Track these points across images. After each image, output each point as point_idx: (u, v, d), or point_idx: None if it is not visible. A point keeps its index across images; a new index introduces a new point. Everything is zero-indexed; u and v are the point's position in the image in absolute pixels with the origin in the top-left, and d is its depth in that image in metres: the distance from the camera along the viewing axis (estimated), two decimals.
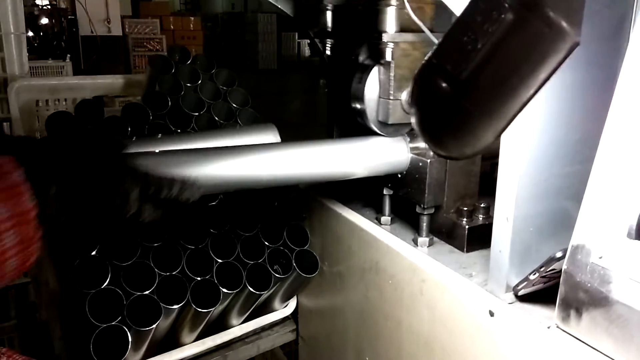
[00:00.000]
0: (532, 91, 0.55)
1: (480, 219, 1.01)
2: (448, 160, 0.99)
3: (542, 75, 0.54)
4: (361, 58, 1.08)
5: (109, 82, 1.62)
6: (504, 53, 0.53)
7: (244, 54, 13.00)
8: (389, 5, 0.95)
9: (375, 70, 1.02)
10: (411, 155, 1.02)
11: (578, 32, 0.53)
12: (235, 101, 1.44)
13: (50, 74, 3.95)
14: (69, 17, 6.55)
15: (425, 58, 0.59)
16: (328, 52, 1.19)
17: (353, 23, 1.12)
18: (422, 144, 1.03)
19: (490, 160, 1.12)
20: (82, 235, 0.68)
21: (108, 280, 1.05)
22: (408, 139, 1.03)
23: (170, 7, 10.96)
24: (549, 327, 0.76)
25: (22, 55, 1.84)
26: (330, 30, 1.18)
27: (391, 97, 1.00)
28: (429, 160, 0.98)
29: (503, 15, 0.52)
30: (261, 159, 0.94)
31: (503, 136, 0.80)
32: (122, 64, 7.20)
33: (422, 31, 0.94)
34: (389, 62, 0.98)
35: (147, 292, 1.08)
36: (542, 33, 0.52)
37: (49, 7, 6.23)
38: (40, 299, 1.57)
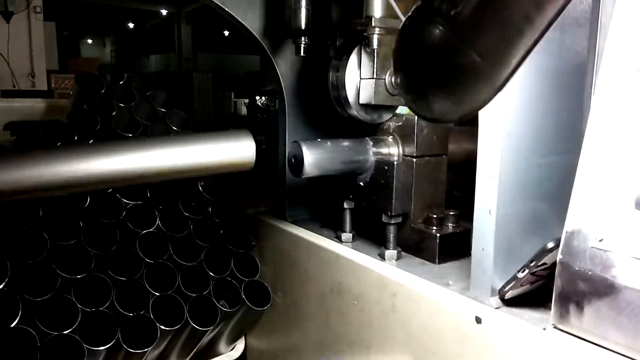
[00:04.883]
0: (537, 33, 0.48)
1: (450, 227, 0.93)
2: (415, 164, 0.92)
3: (549, 13, 0.47)
4: (335, 49, 1.03)
5: (29, 105, 1.46)
6: None
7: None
8: None
9: (355, 53, 0.97)
10: (375, 158, 0.94)
11: None
12: (175, 124, 1.32)
13: None
14: None
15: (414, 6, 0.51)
16: (302, 53, 1.12)
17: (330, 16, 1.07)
18: (385, 149, 0.95)
19: (453, 171, 1.06)
20: None
21: (18, 317, 0.86)
22: (372, 143, 0.95)
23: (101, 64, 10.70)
24: (544, 329, 0.67)
25: None
26: (304, 28, 1.10)
27: (375, 77, 0.95)
28: (395, 162, 0.90)
29: None
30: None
31: (482, 123, 0.74)
32: None
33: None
34: (372, 44, 0.93)
35: (67, 332, 0.90)
36: None
37: None
38: None
